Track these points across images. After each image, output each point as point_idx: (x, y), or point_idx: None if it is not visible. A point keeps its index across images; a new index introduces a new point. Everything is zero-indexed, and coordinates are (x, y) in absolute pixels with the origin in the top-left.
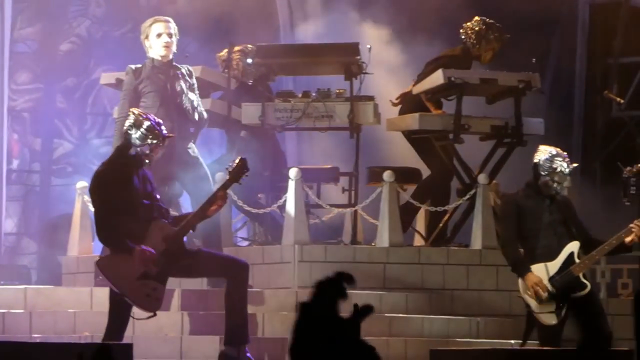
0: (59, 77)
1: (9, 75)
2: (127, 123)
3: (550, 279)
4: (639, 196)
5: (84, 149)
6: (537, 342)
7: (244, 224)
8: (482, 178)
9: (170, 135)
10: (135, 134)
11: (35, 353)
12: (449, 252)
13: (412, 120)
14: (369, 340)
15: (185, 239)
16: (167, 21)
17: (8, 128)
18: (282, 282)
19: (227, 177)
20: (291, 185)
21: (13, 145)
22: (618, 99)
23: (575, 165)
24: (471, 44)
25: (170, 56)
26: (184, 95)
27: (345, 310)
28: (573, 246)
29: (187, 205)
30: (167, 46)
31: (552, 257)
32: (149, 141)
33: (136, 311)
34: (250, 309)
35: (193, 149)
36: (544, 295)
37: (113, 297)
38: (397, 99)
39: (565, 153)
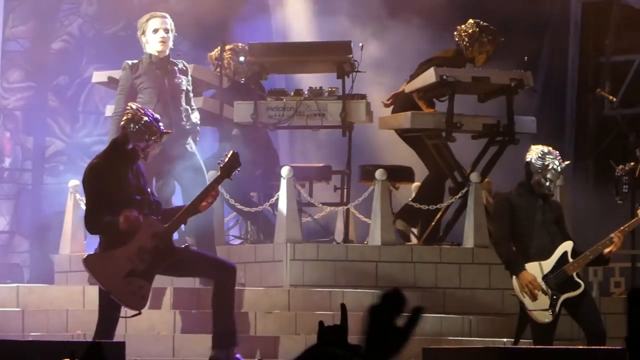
0: (51, 75)
1: (1, 73)
2: (125, 117)
3: (544, 278)
4: (631, 194)
5: (76, 147)
6: (530, 340)
7: (236, 222)
8: (474, 176)
9: (168, 131)
10: (133, 129)
11: (28, 351)
12: (441, 250)
13: (405, 119)
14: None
15: (176, 235)
16: (164, 17)
17: (0, 126)
18: (274, 281)
19: (219, 172)
20: (283, 183)
21: (5, 143)
22: (610, 97)
23: (567, 163)
24: (464, 47)
25: (167, 52)
26: (183, 92)
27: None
28: (566, 246)
29: (178, 202)
30: (164, 41)
31: (545, 256)
32: (147, 137)
33: (123, 309)
34: (242, 308)
35: (191, 144)
36: (538, 293)
37: (103, 295)
38: (388, 99)
39: (557, 151)
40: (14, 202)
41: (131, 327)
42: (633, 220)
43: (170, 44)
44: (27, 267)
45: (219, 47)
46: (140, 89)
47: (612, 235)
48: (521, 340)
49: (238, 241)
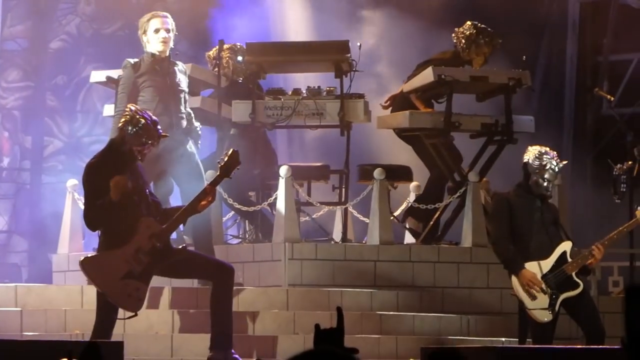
0: (49, 75)
1: None
2: (123, 119)
3: (543, 277)
4: (629, 193)
5: (74, 147)
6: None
7: (234, 221)
8: (472, 176)
9: (165, 135)
10: (130, 132)
11: (26, 351)
12: (439, 249)
13: (403, 118)
14: (360, 338)
15: (174, 235)
16: (165, 16)
17: None
18: (273, 280)
19: (218, 171)
20: (281, 183)
21: (4, 143)
22: (608, 97)
23: (564, 162)
24: (461, 48)
25: (168, 52)
26: (183, 92)
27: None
28: (565, 245)
29: (177, 202)
30: (165, 41)
31: (544, 255)
32: (144, 140)
33: (121, 310)
34: (241, 307)
35: (190, 144)
36: (538, 292)
37: (101, 296)
38: (386, 101)
39: (554, 152)
40: (12, 202)
41: (129, 326)
42: (631, 222)
43: (171, 43)
44: (25, 266)
45: (217, 47)
46: (142, 87)
47: (592, 247)
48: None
49: (236, 241)
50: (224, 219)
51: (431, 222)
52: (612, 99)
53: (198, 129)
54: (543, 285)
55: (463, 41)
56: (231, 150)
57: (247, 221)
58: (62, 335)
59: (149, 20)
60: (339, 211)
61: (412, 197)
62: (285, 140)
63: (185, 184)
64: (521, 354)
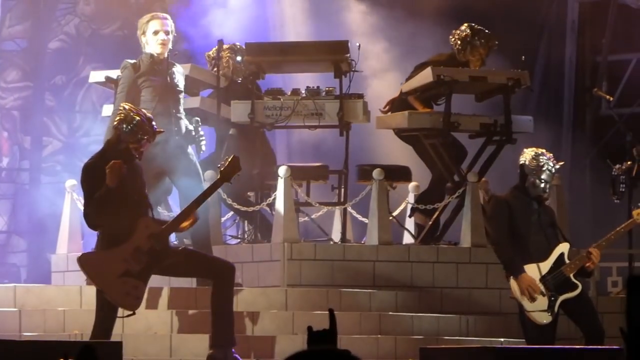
0: (48, 75)
1: None
2: (118, 118)
3: (542, 279)
4: (628, 193)
5: (73, 147)
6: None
7: (233, 222)
8: (471, 176)
9: (161, 130)
10: (126, 129)
11: (25, 352)
12: (438, 250)
13: (402, 118)
14: (359, 338)
15: (174, 237)
16: (165, 18)
17: None
18: (272, 281)
19: (218, 175)
20: (280, 183)
21: (3, 143)
22: (607, 97)
23: (561, 163)
24: (457, 50)
25: (166, 53)
26: (181, 93)
27: None
28: (563, 247)
29: (175, 202)
30: (164, 44)
31: (542, 257)
32: (139, 136)
33: (120, 309)
34: (240, 307)
35: (189, 148)
36: (537, 296)
37: (100, 295)
38: (385, 106)
39: (550, 153)
40: (12, 202)
41: (128, 327)
42: (628, 222)
43: (170, 45)
44: (24, 267)
45: (216, 47)
46: (141, 87)
47: (589, 249)
48: (519, 340)
49: (235, 241)
50: (223, 219)
51: (430, 223)
52: (611, 99)
53: (202, 141)
54: (542, 288)
55: (459, 42)
56: (232, 156)
57: (246, 221)
58: (60, 336)
59: (148, 21)
60: (337, 211)
61: (411, 198)
62: (284, 141)
63: (183, 185)
64: (520, 354)
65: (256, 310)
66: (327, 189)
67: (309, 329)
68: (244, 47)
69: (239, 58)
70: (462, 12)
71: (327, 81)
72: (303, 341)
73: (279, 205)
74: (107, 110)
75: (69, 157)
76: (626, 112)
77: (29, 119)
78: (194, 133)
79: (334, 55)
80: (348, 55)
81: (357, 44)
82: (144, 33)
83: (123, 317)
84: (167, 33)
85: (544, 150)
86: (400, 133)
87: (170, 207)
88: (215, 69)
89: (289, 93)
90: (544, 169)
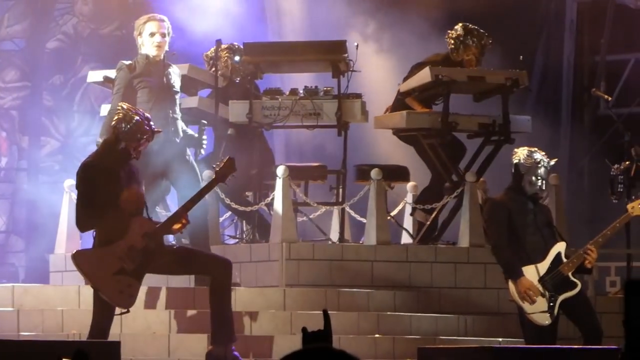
0: (46, 75)
1: None
2: (116, 117)
3: (541, 280)
4: (626, 193)
5: (72, 147)
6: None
7: (231, 222)
8: (469, 176)
9: (159, 130)
10: (125, 129)
11: (23, 351)
12: (436, 250)
13: (400, 118)
14: (357, 338)
15: (172, 238)
16: (162, 20)
17: None
18: (270, 280)
19: (214, 176)
20: (279, 183)
21: (1, 143)
22: (605, 97)
23: (555, 160)
24: (450, 49)
25: (162, 55)
26: (177, 94)
27: None
28: (560, 246)
29: (173, 202)
30: (160, 46)
31: (539, 258)
32: (138, 136)
33: (118, 309)
34: (238, 307)
35: (187, 149)
36: (536, 298)
37: (97, 294)
38: (385, 112)
39: (542, 151)
40: (10, 202)
41: (127, 326)
42: (623, 216)
43: (167, 47)
44: (22, 266)
45: (215, 47)
46: (137, 88)
47: (587, 246)
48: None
49: (233, 241)
50: (221, 219)
51: (428, 222)
52: (610, 99)
53: (204, 144)
54: (540, 289)
55: (452, 42)
56: (227, 158)
57: (244, 221)
58: (59, 336)
59: (145, 23)
60: (336, 211)
61: (409, 197)
62: (283, 141)
63: (181, 186)
64: (518, 354)
65: (254, 310)
66: (325, 188)
67: (304, 330)
68: (241, 46)
69: (237, 58)
70: (460, 13)
71: (325, 81)
72: (301, 341)
73: (277, 205)
74: (105, 110)
75: (67, 157)
76: (624, 112)
77: (27, 119)
78: (197, 135)
79: (332, 55)
80: (346, 54)
81: (355, 44)
82: (140, 34)
83: (118, 314)
84: (163, 35)
85: (536, 149)
86: (399, 133)
87: (168, 207)
88: (214, 68)
89: (287, 93)
90: (539, 165)
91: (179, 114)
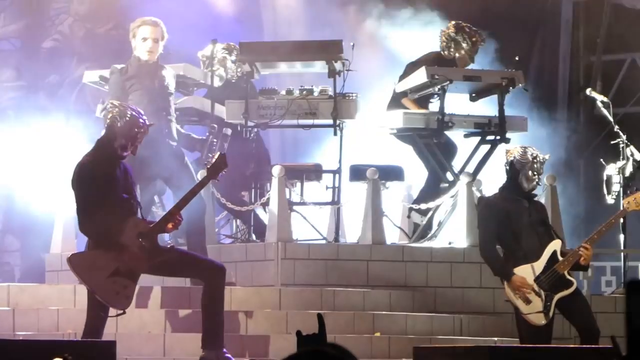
0: (42, 74)
1: None
2: (110, 115)
3: (536, 279)
4: (621, 193)
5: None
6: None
7: (227, 221)
8: (465, 176)
9: (151, 123)
10: (121, 124)
11: (19, 351)
12: (432, 249)
13: (396, 118)
14: (352, 338)
15: (168, 237)
16: (155, 25)
17: None
18: (265, 280)
19: (206, 173)
20: (274, 182)
21: None
22: (601, 97)
23: (548, 155)
24: (442, 47)
25: (155, 59)
26: (171, 95)
27: None
28: (555, 245)
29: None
30: (151, 51)
31: (535, 257)
32: (135, 130)
33: (111, 309)
34: (233, 306)
35: (179, 147)
36: (531, 295)
37: (91, 294)
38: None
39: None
40: (6, 201)
41: (122, 326)
42: (618, 213)
43: (160, 50)
44: (18, 266)
45: (210, 46)
46: (130, 90)
47: (581, 245)
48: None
49: (229, 240)
50: (217, 218)
51: (424, 222)
52: (605, 99)
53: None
54: (535, 288)
55: (443, 39)
56: (218, 153)
57: (239, 221)
58: (54, 335)
59: (138, 26)
60: (331, 211)
61: (404, 197)
62: (278, 140)
63: (177, 187)
64: (513, 354)
65: (250, 309)
66: (321, 188)
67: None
68: (237, 46)
69: (233, 57)
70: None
71: (321, 81)
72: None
73: (273, 205)
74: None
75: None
76: (620, 111)
77: (23, 118)
78: (202, 138)
79: (328, 54)
80: (342, 54)
81: (351, 44)
82: (134, 37)
83: (114, 316)
84: (155, 40)
85: (527, 145)
86: (396, 133)
87: (165, 207)
88: (209, 68)
89: (283, 92)
90: (535, 160)
91: (173, 116)
